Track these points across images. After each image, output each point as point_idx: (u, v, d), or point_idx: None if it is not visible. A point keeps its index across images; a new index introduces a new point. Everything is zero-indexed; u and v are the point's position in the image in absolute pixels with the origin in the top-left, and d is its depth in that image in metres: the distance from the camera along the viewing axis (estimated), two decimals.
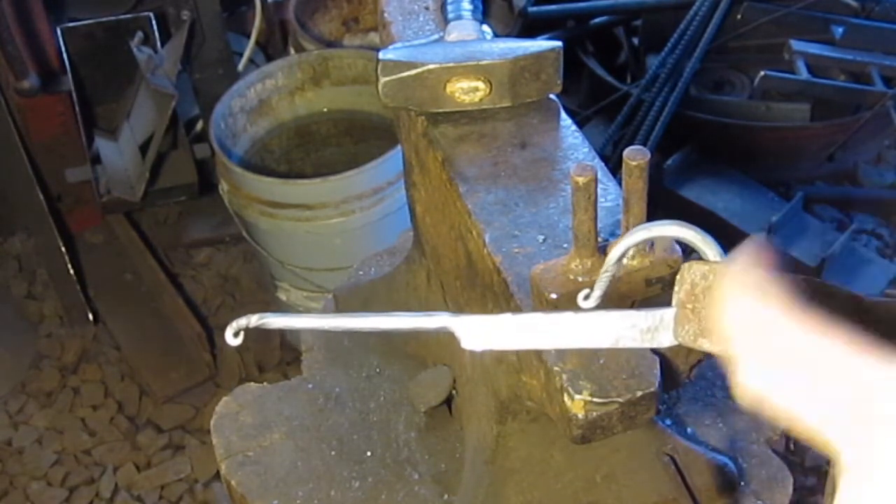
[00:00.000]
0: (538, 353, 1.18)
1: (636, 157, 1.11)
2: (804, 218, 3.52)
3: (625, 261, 1.17)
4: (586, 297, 1.04)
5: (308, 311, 3.09)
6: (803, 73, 3.67)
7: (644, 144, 3.44)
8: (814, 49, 3.68)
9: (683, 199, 3.55)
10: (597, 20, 4.07)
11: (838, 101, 3.69)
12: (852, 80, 3.73)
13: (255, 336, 3.56)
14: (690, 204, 3.55)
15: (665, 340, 0.96)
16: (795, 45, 3.65)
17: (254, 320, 1.06)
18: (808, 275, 3.39)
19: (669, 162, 3.54)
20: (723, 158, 3.64)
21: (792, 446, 1.71)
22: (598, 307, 1.03)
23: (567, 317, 0.98)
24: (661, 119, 3.53)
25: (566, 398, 1.14)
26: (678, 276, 0.94)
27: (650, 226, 1.02)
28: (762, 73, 3.61)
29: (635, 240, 1.02)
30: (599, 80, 3.87)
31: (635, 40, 4.10)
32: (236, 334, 1.07)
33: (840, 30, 3.73)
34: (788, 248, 3.42)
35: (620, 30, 4.13)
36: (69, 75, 3.35)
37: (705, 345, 0.92)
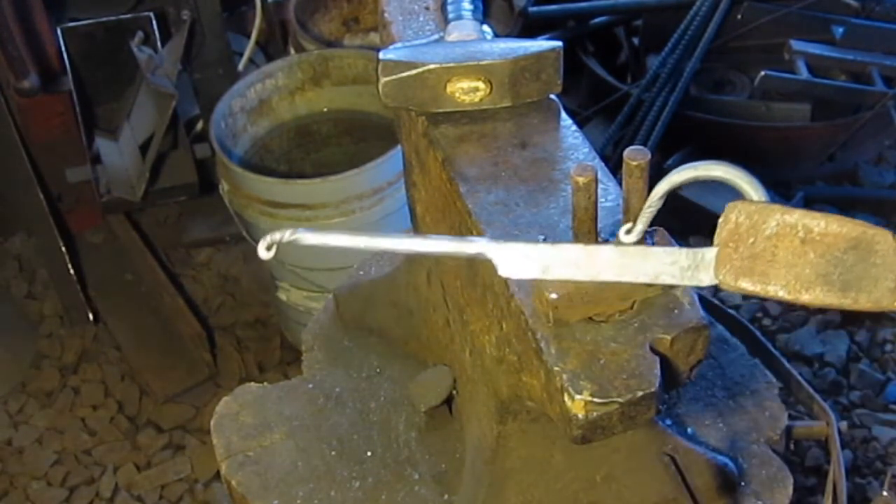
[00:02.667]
0: (538, 354, 1.18)
1: (636, 156, 1.11)
2: None
3: None
4: (628, 232, 1.03)
5: (308, 311, 3.09)
6: (803, 73, 3.67)
7: (644, 144, 3.44)
8: (814, 49, 3.68)
9: (683, 199, 3.54)
10: (597, 20, 4.06)
11: (839, 101, 3.69)
12: (853, 80, 3.73)
13: (256, 336, 3.56)
14: (690, 204, 3.54)
15: (705, 279, 0.96)
16: (796, 45, 3.65)
17: (287, 235, 1.06)
18: None
19: (669, 162, 3.54)
20: (723, 158, 3.60)
21: (792, 446, 1.71)
22: (639, 243, 1.02)
23: (608, 250, 0.98)
24: (661, 119, 3.53)
25: (566, 398, 1.14)
26: (721, 218, 0.94)
27: (697, 165, 1.02)
28: (762, 73, 3.61)
29: (681, 178, 1.01)
30: (600, 80, 3.87)
31: (636, 40, 4.10)
32: (269, 248, 1.08)
33: (840, 30, 3.73)
34: None
35: (621, 30, 4.13)
36: (69, 75, 3.35)
37: (746, 284, 0.92)
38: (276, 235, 1.08)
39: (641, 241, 1.02)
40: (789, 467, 1.59)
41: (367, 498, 1.61)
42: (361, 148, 3.24)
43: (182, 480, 3.17)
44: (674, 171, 1.00)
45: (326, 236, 1.10)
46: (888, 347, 3.29)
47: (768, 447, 1.61)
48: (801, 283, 0.95)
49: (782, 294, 0.94)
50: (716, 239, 0.95)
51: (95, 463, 3.24)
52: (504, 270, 1.01)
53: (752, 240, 0.93)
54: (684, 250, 0.96)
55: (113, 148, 3.45)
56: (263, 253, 1.08)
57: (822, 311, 3.37)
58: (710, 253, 0.95)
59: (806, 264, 0.94)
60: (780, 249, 0.96)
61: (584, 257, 0.99)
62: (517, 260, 1.01)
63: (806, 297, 0.95)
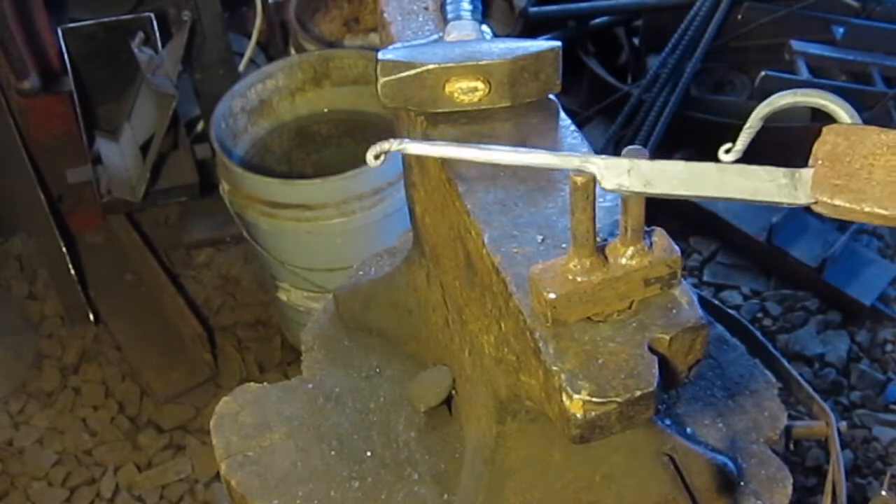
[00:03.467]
0: (536, 353, 1.18)
1: (634, 156, 1.11)
2: (805, 218, 3.51)
3: (624, 261, 1.18)
4: (727, 151, 1.06)
5: (309, 311, 3.09)
6: (804, 74, 3.66)
7: (645, 145, 3.44)
8: (814, 49, 3.68)
9: (684, 200, 3.54)
10: (597, 20, 4.06)
11: None
12: (853, 81, 3.72)
13: (256, 336, 3.56)
14: (691, 204, 3.55)
15: (802, 198, 0.99)
16: (796, 45, 3.65)
17: (395, 144, 1.09)
18: (808, 276, 3.39)
19: None
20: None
21: (792, 446, 1.71)
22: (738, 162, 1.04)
23: (709, 167, 1.01)
24: (661, 119, 3.53)
25: (565, 398, 1.14)
26: (818, 140, 0.99)
27: (794, 92, 1.06)
28: (763, 73, 3.60)
29: (781, 102, 1.05)
30: (600, 80, 3.87)
31: (636, 40, 4.09)
32: (377, 157, 1.10)
33: (841, 30, 3.73)
34: (789, 249, 3.42)
35: (621, 30, 4.13)
36: (70, 76, 3.35)
37: (841, 202, 0.95)
38: (385, 144, 1.10)
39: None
40: (789, 467, 1.60)
41: (367, 498, 1.61)
42: (361, 148, 3.20)
43: (182, 481, 3.18)
44: (775, 96, 1.04)
45: (431, 147, 1.13)
46: (889, 348, 3.29)
47: (768, 447, 1.61)
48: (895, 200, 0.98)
49: (878, 210, 0.97)
50: (811, 160, 0.99)
51: (96, 463, 3.25)
52: (608, 184, 1.03)
53: (848, 159, 0.97)
54: (782, 169, 1.02)
55: (113, 148, 3.45)
56: (372, 161, 1.11)
57: (822, 311, 3.37)
58: (806, 172, 1.00)
59: None
60: (876, 168, 0.99)
61: (685, 173, 1.03)
62: (620, 174, 1.03)
63: None
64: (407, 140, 1.11)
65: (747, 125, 1.06)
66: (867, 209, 0.98)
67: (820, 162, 0.99)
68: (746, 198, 1.02)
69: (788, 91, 1.07)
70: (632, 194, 1.05)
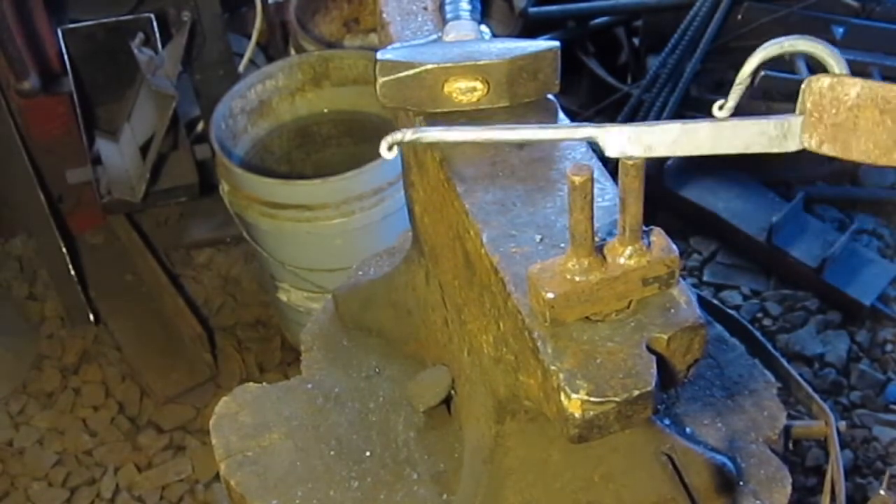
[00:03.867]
0: (535, 353, 1.18)
1: (633, 156, 1.11)
2: (805, 218, 3.51)
3: (622, 261, 1.18)
4: (721, 108, 1.10)
5: (308, 311, 3.09)
6: (804, 73, 3.66)
7: None
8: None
9: (684, 200, 3.55)
10: (597, 21, 4.06)
11: None
12: None
13: (256, 337, 3.56)
14: (691, 204, 3.55)
15: (792, 146, 1.06)
16: None
17: (408, 135, 1.11)
18: (808, 276, 3.39)
19: (670, 162, 3.54)
20: (723, 159, 3.62)
21: (791, 446, 1.71)
22: (731, 117, 1.07)
23: (703, 125, 1.06)
24: (661, 119, 3.53)
25: (563, 397, 1.14)
26: (803, 88, 1.05)
27: (782, 40, 1.11)
28: (762, 72, 3.60)
29: (769, 53, 1.11)
30: (600, 80, 3.87)
31: (636, 41, 4.09)
32: (390, 148, 1.12)
33: (841, 30, 3.73)
34: (789, 249, 3.42)
35: (621, 30, 4.13)
36: (70, 76, 3.35)
37: (829, 150, 1.01)
38: (398, 135, 1.12)
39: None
40: (788, 467, 1.59)
41: (366, 498, 1.61)
42: (361, 149, 3.24)
43: (183, 481, 3.18)
44: (761, 47, 1.09)
45: (448, 132, 1.16)
46: (888, 347, 3.29)
47: (767, 447, 1.61)
48: (880, 149, 1.05)
49: (864, 158, 1.05)
50: (798, 108, 1.04)
51: (96, 464, 3.25)
52: (611, 152, 1.08)
53: (834, 110, 1.03)
54: (772, 121, 1.08)
55: (113, 149, 3.45)
56: (386, 153, 1.12)
57: (822, 311, 3.37)
58: (795, 122, 1.07)
59: (884, 131, 1.03)
60: (860, 119, 1.05)
61: (682, 135, 1.08)
62: (622, 142, 1.08)
63: (884, 160, 1.05)
64: (422, 129, 1.12)
65: (738, 80, 1.11)
66: (855, 156, 1.06)
67: (808, 112, 1.04)
68: (741, 151, 1.08)
69: (777, 40, 1.11)
70: (635, 160, 1.08)
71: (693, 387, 1.68)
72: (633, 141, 1.10)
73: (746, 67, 1.10)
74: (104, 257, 3.78)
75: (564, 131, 1.16)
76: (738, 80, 1.11)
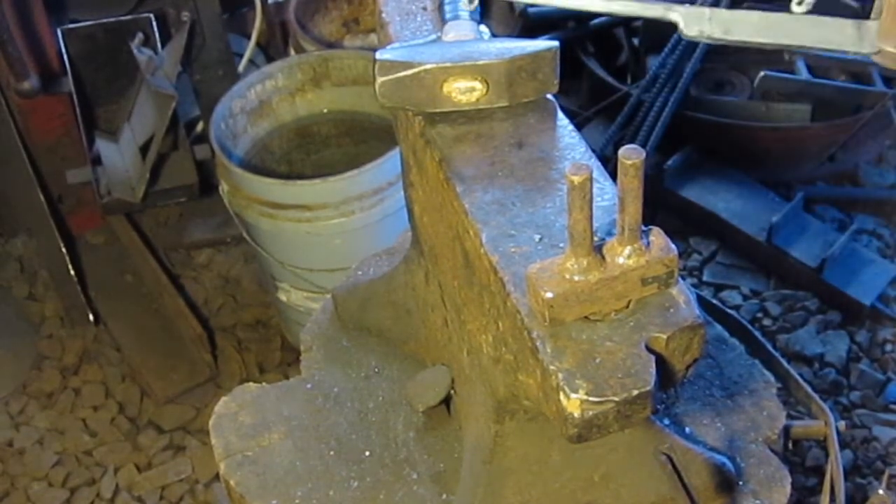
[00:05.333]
0: (534, 353, 1.18)
1: (631, 155, 1.11)
2: (805, 218, 3.51)
3: (621, 260, 1.18)
4: (799, 3, 1.09)
5: (308, 312, 3.09)
6: (803, 74, 3.67)
7: (644, 145, 3.44)
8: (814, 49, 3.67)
9: (684, 200, 3.55)
10: (597, 21, 4.06)
11: (839, 101, 3.68)
12: (852, 81, 3.73)
13: (256, 337, 3.56)
14: (691, 204, 3.54)
15: (867, 47, 1.05)
16: None
17: None
18: (808, 276, 3.39)
19: (670, 162, 3.54)
20: (723, 159, 3.63)
21: (791, 446, 1.71)
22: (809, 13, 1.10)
23: (783, 16, 1.06)
24: (661, 119, 3.53)
25: (562, 397, 1.14)
26: None
27: None
28: (762, 73, 3.61)
29: None
30: (600, 80, 3.87)
31: (635, 41, 4.10)
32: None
33: None
34: (789, 249, 3.42)
35: (621, 30, 4.13)
36: (70, 76, 3.35)
37: None
38: None
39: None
40: (788, 467, 1.60)
41: (366, 497, 1.61)
42: (361, 149, 3.24)
43: (183, 481, 3.18)
44: None
45: None
46: (888, 347, 3.29)
47: (766, 446, 1.61)
48: None
49: None
50: (874, 13, 1.04)
51: (96, 464, 3.25)
52: (689, 31, 1.09)
53: None
54: (850, 21, 1.06)
55: (113, 149, 3.45)
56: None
57: (822, 311, 3.37)
58: (873, 24, 1.06)
59: None
60: None
61: (762, 22, 1.08)
62: (701, 21, 1.08)
63: None
64: None
65: None
66: None
67: (884, 16, 1.04)
68: (816, 45, 1.07)
69: None
70: (712, 41, 1.08)
71: (692, 386, 1.69)
72: (713, 22, 1.10)
73: None
74: (104, 257, 3.78)
75: (643, 7, 1.16)
76: None
